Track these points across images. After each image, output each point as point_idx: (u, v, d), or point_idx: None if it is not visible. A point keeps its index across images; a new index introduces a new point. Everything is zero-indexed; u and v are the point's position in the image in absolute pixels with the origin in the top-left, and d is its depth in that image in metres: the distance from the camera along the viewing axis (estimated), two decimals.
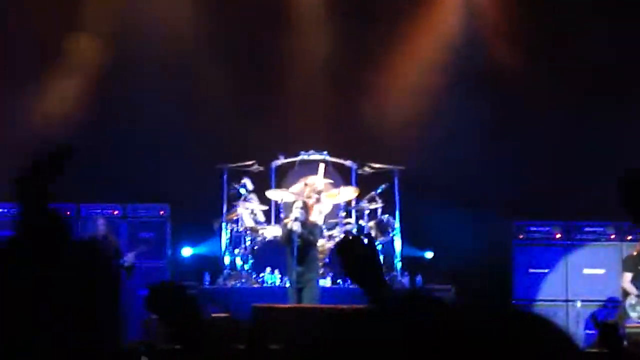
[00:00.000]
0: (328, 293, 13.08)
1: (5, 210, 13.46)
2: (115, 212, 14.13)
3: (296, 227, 11.81)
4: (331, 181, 14.28)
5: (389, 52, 15.33)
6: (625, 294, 12.73)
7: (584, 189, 13.87)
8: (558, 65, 14.76)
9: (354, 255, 3.16)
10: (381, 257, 13.45)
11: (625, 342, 12.07)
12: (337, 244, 3.25)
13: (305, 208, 12.18)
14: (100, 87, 14.88)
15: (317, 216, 13.43)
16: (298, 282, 11.77)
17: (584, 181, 14.00)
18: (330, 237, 13.66)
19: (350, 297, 12.78)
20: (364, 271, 3.18)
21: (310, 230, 12.00)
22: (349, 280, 10.90)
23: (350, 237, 3.26)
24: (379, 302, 3.02)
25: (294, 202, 12.47)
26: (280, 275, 13.23)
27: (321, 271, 13.12)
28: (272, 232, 13.69)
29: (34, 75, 14.83)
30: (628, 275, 12.77)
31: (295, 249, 11.76)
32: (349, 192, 14.12)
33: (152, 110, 14.44)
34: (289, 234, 11.92)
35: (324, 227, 13.61)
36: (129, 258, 12.34)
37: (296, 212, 12.00)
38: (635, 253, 12.93)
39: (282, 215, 13.80)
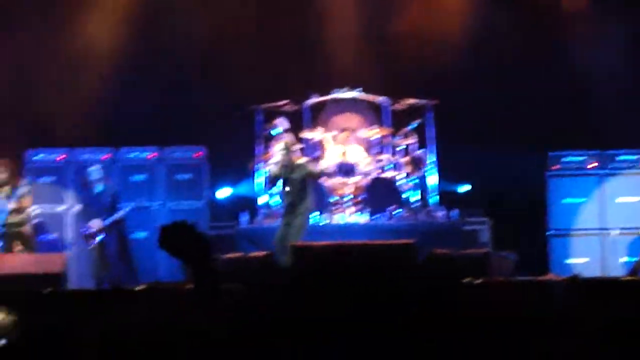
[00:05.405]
0: (365, 229, 13.26)
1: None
2: (153, 155, 14.17)
3: (278, 169, 12.08)
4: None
5: None
6: None
7: (617, 117, 13.86)
8: None
9: (174, 243, 3.30)
10: (418, 192, 13.69)
11: None
12: (159, 237, 3.39)
13: (287, 150, 12.22)
14: (130, 24, 14.81)
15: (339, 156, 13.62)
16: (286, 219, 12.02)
17: (617, 109, 13.99)
18: (366, 175, 13.76)
19: (386, 232, 12.95)
20: (189, 254, 3.31)
21: (293, 171, 12.09)
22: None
23: (166, 226, 3.36)
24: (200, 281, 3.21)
25: (277, 144, 12.50)
26: (318, 213, 13.37)
27: (353, 208, 13.34)
28: None
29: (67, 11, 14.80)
30: None
31: (283, 190, 12.06)
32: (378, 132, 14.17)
33: (186, 52, 14.51)
34: (274, 176, 12.17)
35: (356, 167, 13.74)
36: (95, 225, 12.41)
37: (278, 155, 12.14)
38: None
39: (317, 154, 13.90)
